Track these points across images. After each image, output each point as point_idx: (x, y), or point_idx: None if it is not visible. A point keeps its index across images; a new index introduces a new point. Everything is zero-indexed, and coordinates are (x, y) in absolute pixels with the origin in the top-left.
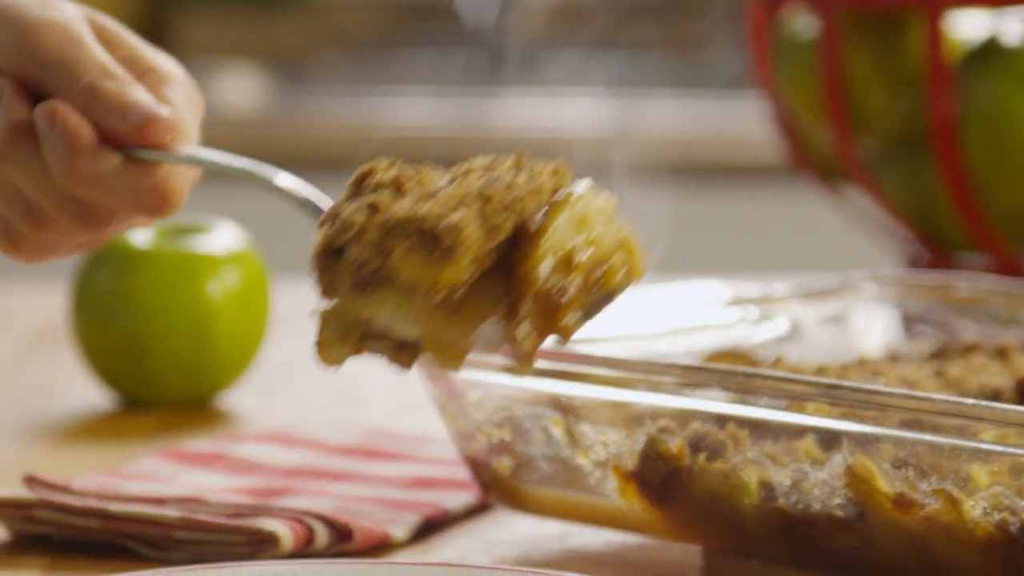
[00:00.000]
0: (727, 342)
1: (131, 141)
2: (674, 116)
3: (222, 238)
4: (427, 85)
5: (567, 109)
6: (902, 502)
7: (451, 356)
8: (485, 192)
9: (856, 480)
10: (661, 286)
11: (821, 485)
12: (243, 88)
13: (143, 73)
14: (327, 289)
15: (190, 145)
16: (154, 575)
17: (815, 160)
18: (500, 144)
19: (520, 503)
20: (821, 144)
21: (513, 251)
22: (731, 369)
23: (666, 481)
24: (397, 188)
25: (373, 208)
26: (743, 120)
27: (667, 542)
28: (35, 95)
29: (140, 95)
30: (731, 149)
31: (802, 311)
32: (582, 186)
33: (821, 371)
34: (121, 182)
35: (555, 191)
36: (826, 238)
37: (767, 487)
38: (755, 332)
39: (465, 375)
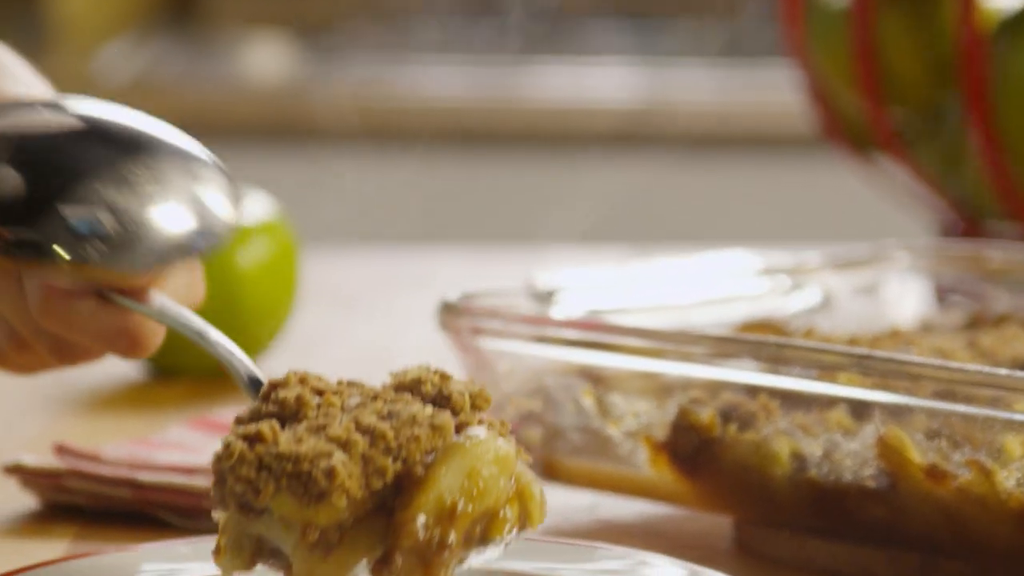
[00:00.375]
0: (758, 312)
1: (102, 282)
2: (705, 86)
3: (252, 207)
4: (457, 54)
5: (597, 79)
6: (934, 473)
7: None
8: (378, 428)
9: (888, 451)
10: (692, 256)
11: (853, 456)
12: (272, 58)
13: None
14: (219, 503)
15: (175, 290)
16: (184, 544)
17: (847, 129)
18: (530, 115)
19: (550, 473)
20: (853, 113)
21: (396, 494)
22: (762, 339)
23: (697, 452)
24: (297, 410)
25: (256, 438)
26: (775, 90)
27: (697, 513)
28: None
29: None
30: (762, 119)
31: (834, 281)
32: (479, 432)
33: (853, 341)
34: (94, 323)
35: (461, 428)
36: (858, 208)
37: (798, 458)
38: (787, 302)
39: (495, 345)
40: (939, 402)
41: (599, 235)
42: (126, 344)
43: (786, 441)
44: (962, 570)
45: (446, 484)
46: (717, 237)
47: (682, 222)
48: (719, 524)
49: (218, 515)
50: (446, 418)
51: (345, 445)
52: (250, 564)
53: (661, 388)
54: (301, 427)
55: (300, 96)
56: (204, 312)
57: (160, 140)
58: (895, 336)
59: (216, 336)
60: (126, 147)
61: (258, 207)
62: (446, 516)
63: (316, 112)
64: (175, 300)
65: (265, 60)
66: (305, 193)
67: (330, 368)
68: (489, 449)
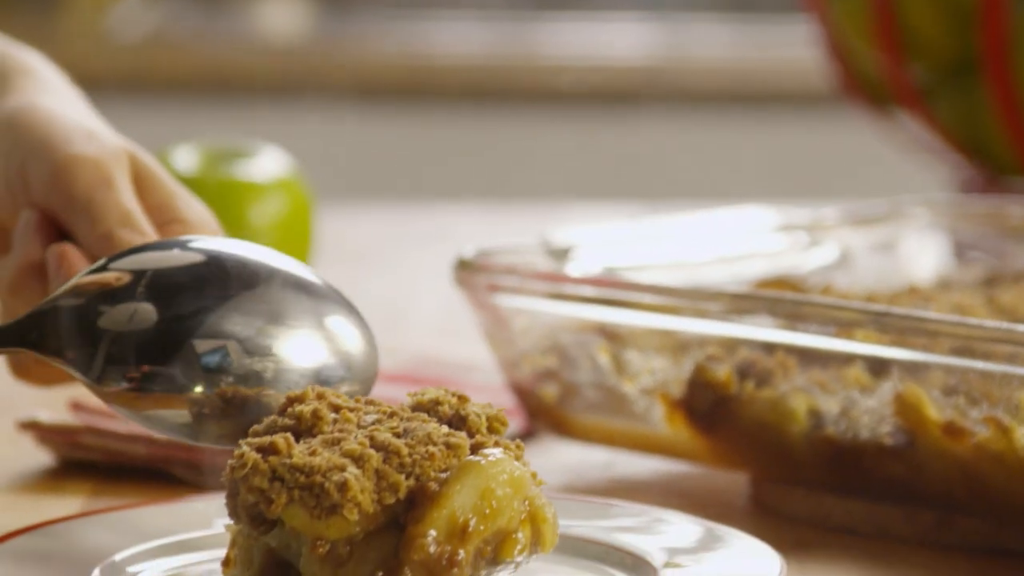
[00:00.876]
0: (776, 269)
1: None
2: (722, 41)
3: (266, 163)
4: (472, 10)
5: (613, 34)
6: (952, 430)
7: None
8: (392, 445)
9: (906, 408)
10: (709, 213)
11: (870, 413)
12: (286, 14)
13: (168, 222)
14: (231, 514)
15: None
16: (199, 501)
17: (866, 85)
18: (545, 71)
19: (566, 431)
20: (871, 68)
21: (409, 509)
22: (780, 296)
23: (713, 409)
24: (312, 424)
25: (269, 449)
26: (791, 45)
27: (714, 470)
28: (61, 231)
29: None
30: (779, 74)
31: (852, 237)
32: (495, 453)
33: (871, 298)
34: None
35: (476, 449)
36: (876, 164)
37: (815, 415)
38: (804, 259)
39: (511, 302)
40: (957, 358)
41: (615, 191)
42: None
43: (803, 398)
44: (979, 527)
45: (459, 502)
46: (734, 194)
47: (698, 178)
48: (735, 481)
49: (230, 527)
50: (461, 438)
51: (359, 460)
52: (261, 574)
53: (677, 345)
54: (315, 440)
55: (314, 52)
56: None
57: (285, 273)
58: (913, 292)
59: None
60: (251, 281)
61: (272, 164)
62: (457, 534)
63: (331, 68)
64: None
65: (280, 16)
66: (320, 149)
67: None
68: (504, 470)
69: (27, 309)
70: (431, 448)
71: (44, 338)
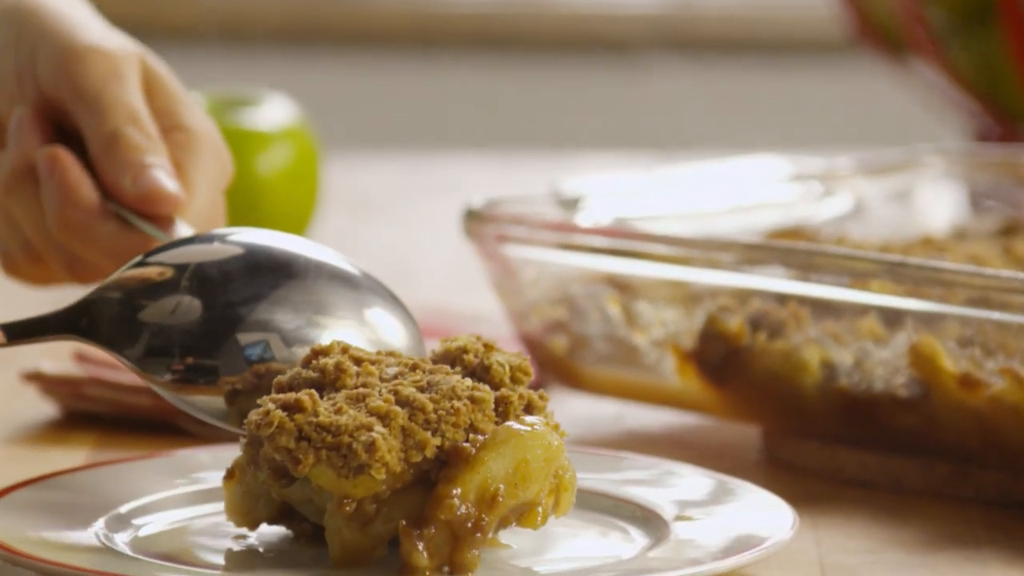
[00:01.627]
0: (789, 219)
1: (131, 204)
2: None
3: (272, 112)
4: None
5: None
6: (967, 381)
7: (357, 559)
8: (417, 400)
9: (920, 359)
10: (721, 163)
11: (884, 364)
12: None
13: (172, 129)
14: (251, 462)
15: (196, 220)
16: (204, 453)
17: (880, 32)
18: (556, 20)
19: (576, 383)
20: (886, 15)
21: (440, 467)
22: (793, 246)
23: (725, 360)
24: (336, 377)
25: (295, 407)
26: None
27: (725, 423)
28: (58, 121)
29: (158, 161)
30: (794, 22)
31: (866, 187)
32: (536, 423)
33: (885, 248)
34: (114, 245)
35: (501, 403)
36: (891, 113)
37: (829, 366)
38: (818, 209)
39: (520, 252)
40: (972, 309)
41: (626, 141)
42: None
43: (816, 350)
44: (994, 479)
45: (494, 469)
46: (746, 143)
47: (711, 127)
48: (747, 434)
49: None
50: (486, 391)
51: (384, 417)
52: (256, 524)
53: (689, 296)
54: (340, 397)
55: (321, 2)
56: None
57: (325, 265)
58: (928, 243)
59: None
60: (293, 273)
61: (279, 112)
62: (487, 500)
63: (339, 15)
64: (196, 227)
65: None
66: (327, 98)
67: None
68: (541, 443)
69: (20, 212)
70: (456, 403)
71: (92, 326)
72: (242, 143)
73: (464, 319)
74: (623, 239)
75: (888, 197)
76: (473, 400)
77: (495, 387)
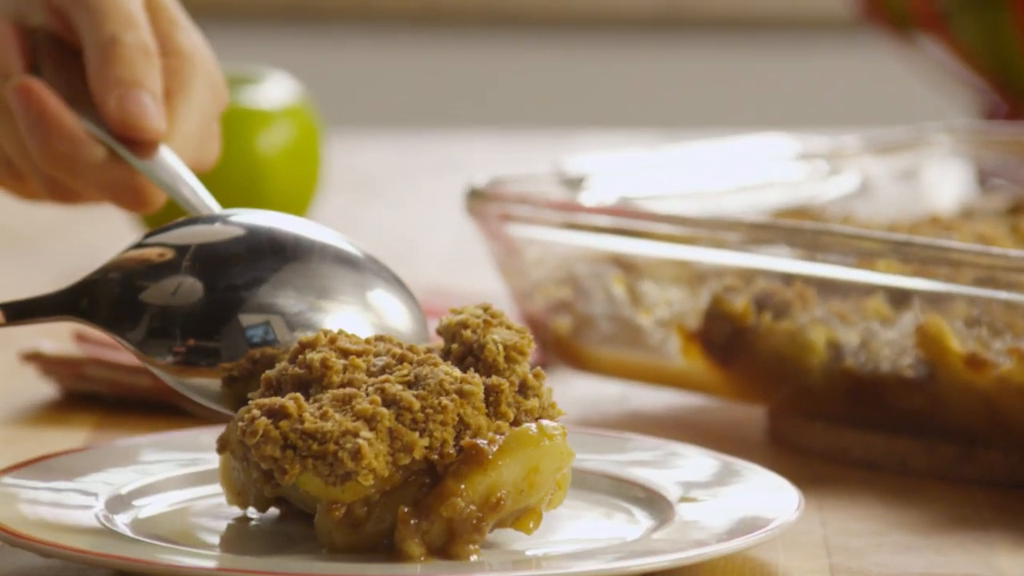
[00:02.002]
0: (795, 198)
1: (113, 127)
2: None
3: (274, 90)
4: None
5: None
6: (974, 362)
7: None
8: (404, 400)
9: (927, 339)
10: (727, 141)
11: (891, 344)
12: None
13: (167, 53)
14: (242, 458)
15: (184, 147)
16: (205, 433)
17: (887, 9)
18: None
19: (580, 363)
20: None
21: (457, 463)
22: (799, 225)
23: (730, 341)
24: (322, 374)
25: (280, 413)
26: None
27: (730, 403)
28: (60, 38)
29: (148, 82)
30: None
31: (873, 166)
32: (556, 432)
33: (892, 227)
34: (99, 175)
35: (493, 394)
36: (898, 90)
37: (835, 347)
38: (824, 188)
39: (524, 232)
40: (980, 289)
41: (631, 119)
42: (129, 200)
43: (822, 330)
44: (1001, 461)
45: (505, 475)
46: (752, 121)
47: (716, 105)
48: (752, 415)
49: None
50: (476, 384)
51: (371, 420)
52: (246, 506)
53: (694, 276)
54: (325, 399)
55: None
56: (223, 199)
57: (328, 246)
58: (935, 222)
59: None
60: (295, 255)
61: (280, 90)
62: (491, 504)
63: None
64: (185, 158)
65: None
66: (328, 76)
67: None
68: (557, 455)
69: (2, 133)
70: (443, 400)
71: (92, 307)
72: (242, 122)
73: (467, 300)
74: (628, 218)
75: (895, 176)
76: (462, 394)
77: (488, 369)
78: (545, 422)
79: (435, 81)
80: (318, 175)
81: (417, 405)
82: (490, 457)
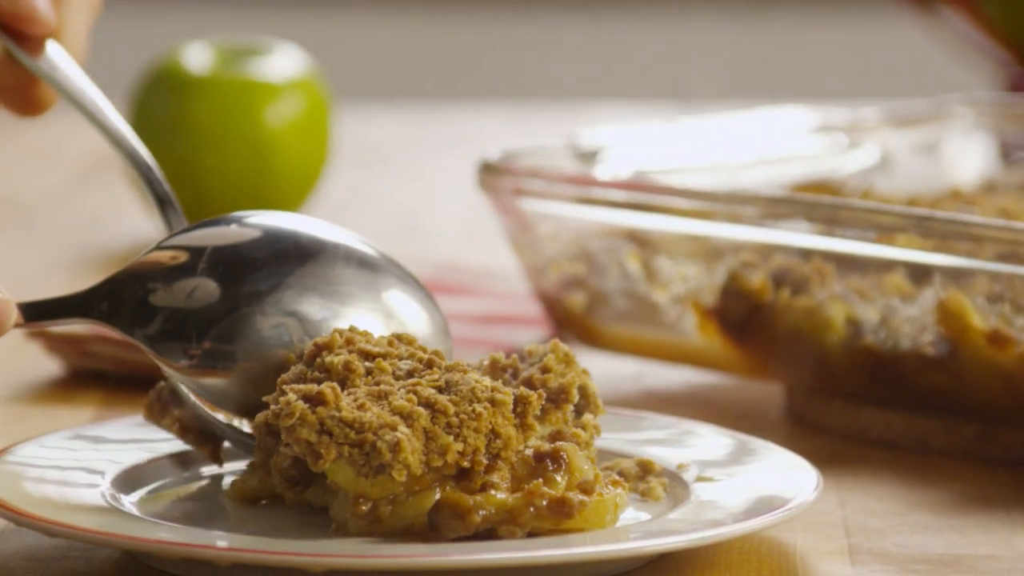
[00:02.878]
0: (813, 172)
1: (4, 18)
2: None
3: (283, 62)
4: None
5: None
6: (997, 339)
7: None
8: (439, 403)
9: (948, 316)
10: (744, 113)
11: (911, 321)
12: None
13: None
14: (260, 464)
15: (73, 46)
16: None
17: None
18: None
19: (594, 340)
20: None
21: (536, 505)
22: (817, 199)
23: (747, 317)
24: (345, 378)
25: (316, 399)
26: None
27: (747, 381)
28: None
29: None
30: None
31: (893, 139)
32: (623, 504)
33: (912, 202)
34: None
35: (520, 405)
36: (919, 62)
37: (854, 324)
38: (843, 161)
39: (537, 206)
40: (1002, 264)
41: (647, 90)
42: (19, 103)
43: (841, 306)
44: (1023, 439)
45: (581, 468)
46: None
47: (734, 77)
48: (770, 393)
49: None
50: (506, 393)
51: (408, 418)
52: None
53: (710, 251)
54: (361, 392)
55: None
56: (231, 173)
57: (347, 248)
58: (956, 196)
59: (112, 117)
60: (312, 257)
61: (289, 63)
62: (507, 518)
63: None
64: (75, 57)
65: None
66: (339, 48)
67: (364, 232)
68: (606, 520)
69: None
70: (477, 407)
71: (110, 310)
72: (250, 94)
73: (478, 275)
74: (643, 192)
75: (916, 149)
76: (493, 402)
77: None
78: (620, 493)
79: (447, 52)
80: (327, 149)
81: (452, 409)
82: (574, 516)
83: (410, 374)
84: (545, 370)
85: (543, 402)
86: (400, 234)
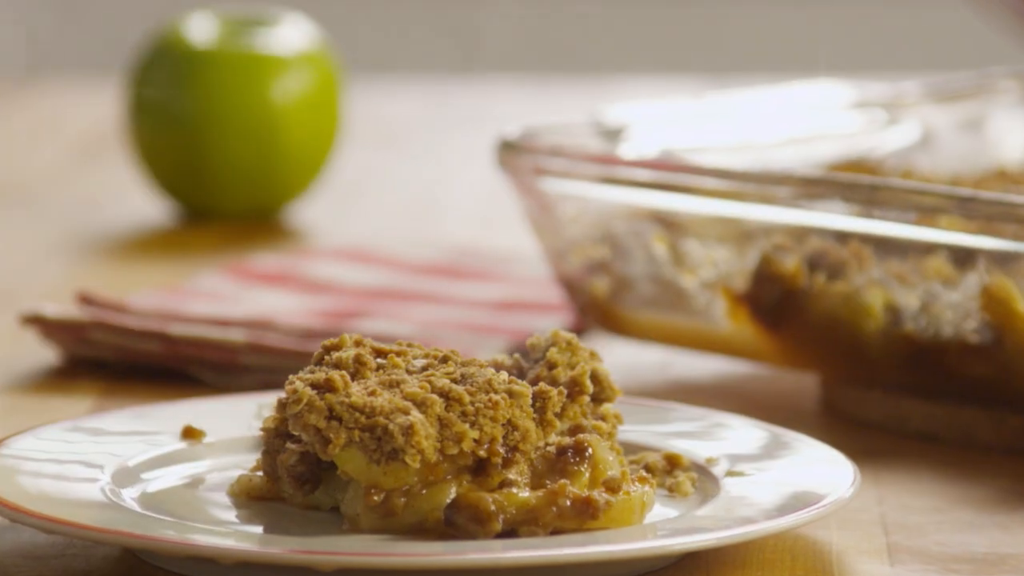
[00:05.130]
0: (851, 150)
1: None
2: None
3: (291, 34)
4: None
5: None
6: None
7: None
8: (454, 391)
9: (993, 302)
10: (777, 89)
11: (954, 308)
12: None
13: None
14: (267, 472)
15: None
16: (219, 402)
17: None
18: None
19: (619, 327)
20: None
21: (559, 504)
22: (854, 179)
23: (780, 304)
24: (356, 371)
25: (325, 386)
26: None
27: (780, 371)
28: None
29: None
30: None
31: (935, 115)
32: (648, 495)
33: (955, 182)
34: None
35: (539, 400)
36: (962, 34)
37: (893, 310)
38: (882, 139)
39: (558, 187)
40: None
41: (674, 64)
42: None
43: (879, 292)
44: None
45: (606, 461)
46: (805, 67)
47: (767, 50)
48: (804, 383)
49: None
50: (524, 386)
51: (421, 404)
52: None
53: (741, 234)
54: (372, 380)
55: None
56: (236, 152)
57: None
58: (1002, 175)
59: None
60: None
61: (297, 34)
62: (529, 518)
63: None
64: None
65: None
66: (350, 19)
67: (376, 214)
68: (632, 520)
69: None
70: (494, 396)
71: None
72: (257, 68)
73: (497, 259)
74: (670, 172)
75: (959, 126)
76: (511, 394)
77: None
78: (647, 491)
79: (464, 24)
80: (337, 126)
81: (467, 398)
82: (599, 518)
83: (424, 369)
84: (551, 366)
85: (563, 400)
86: (414, 216)
